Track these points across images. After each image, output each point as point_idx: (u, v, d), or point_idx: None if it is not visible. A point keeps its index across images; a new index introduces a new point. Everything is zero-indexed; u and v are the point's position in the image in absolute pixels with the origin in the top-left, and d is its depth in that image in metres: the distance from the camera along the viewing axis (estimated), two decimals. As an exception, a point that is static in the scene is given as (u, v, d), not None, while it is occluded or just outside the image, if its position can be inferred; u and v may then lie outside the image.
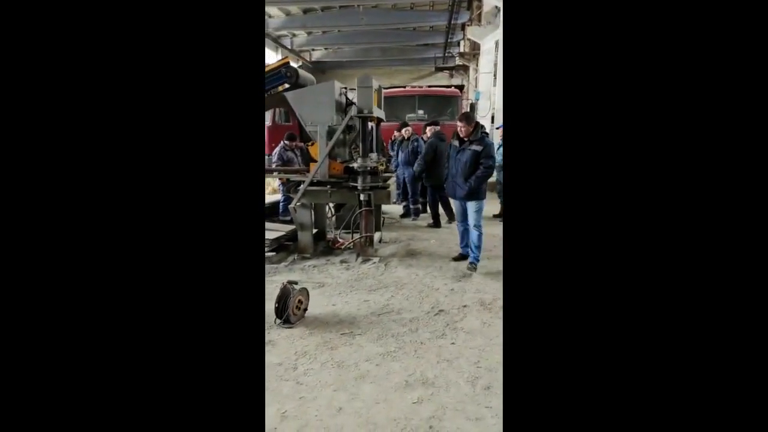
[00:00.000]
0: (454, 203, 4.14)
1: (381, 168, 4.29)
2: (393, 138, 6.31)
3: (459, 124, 3.77)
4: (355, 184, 4.03)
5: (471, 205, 3.79)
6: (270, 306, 2.79)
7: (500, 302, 3.13)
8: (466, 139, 3.72)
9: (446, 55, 17.68)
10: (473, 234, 3.82)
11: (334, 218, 5.21)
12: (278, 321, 2.74)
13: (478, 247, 3.80)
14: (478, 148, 3.66)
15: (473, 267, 3.81)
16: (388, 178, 4.62)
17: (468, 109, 10.02)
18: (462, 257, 4.05)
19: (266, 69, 4.41)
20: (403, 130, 5.99)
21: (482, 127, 3.81)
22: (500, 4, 9.79)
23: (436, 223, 5.52)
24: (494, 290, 3.37)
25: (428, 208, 5.82)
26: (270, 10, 15.67)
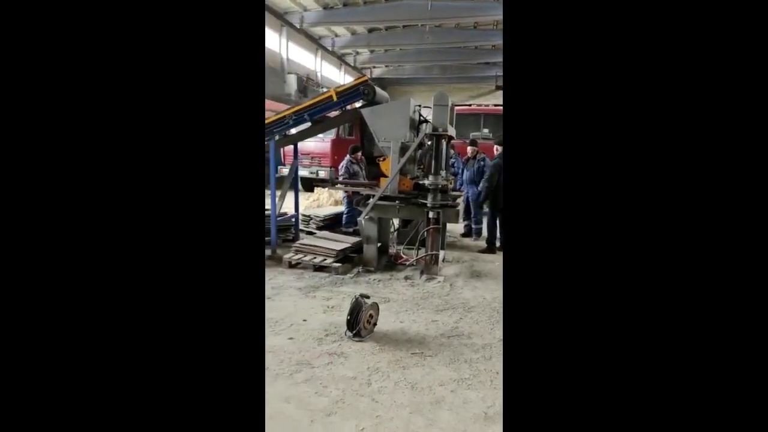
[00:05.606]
0: None
1: (450, 186, 4.25)
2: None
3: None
4: (425, 201, 4.01)
5: None
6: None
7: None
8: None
9: (508, 73, 17.48)
10: None
11: (395, 233, 5.21)
12: (349, 334, 2.75)
13: None
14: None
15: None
16: (458, 197, 4.55)
17: None
18: None
19: (345, 87, 4.57)
20: (468, 149, 5.91)
21: None
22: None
23: (490, 249, 5.13)
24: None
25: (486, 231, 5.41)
26: (336, 29, 16.36)
